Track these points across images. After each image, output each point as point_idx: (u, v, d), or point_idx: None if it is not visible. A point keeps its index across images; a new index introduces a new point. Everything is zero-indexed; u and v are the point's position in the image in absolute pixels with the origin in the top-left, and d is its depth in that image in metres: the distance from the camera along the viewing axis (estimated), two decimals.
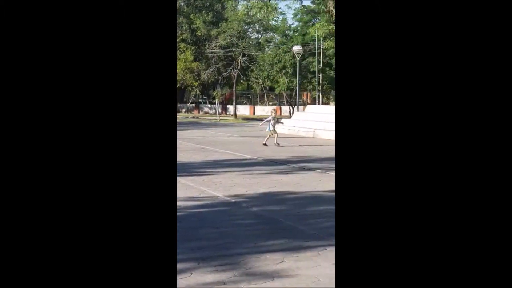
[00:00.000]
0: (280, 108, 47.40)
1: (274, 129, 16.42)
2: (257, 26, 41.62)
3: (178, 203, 6.80)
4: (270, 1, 39.40)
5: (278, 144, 15.95)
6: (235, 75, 39.20)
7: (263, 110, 48.20)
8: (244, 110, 47.60)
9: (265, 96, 52.15)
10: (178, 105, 46.93)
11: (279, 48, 42.78)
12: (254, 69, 40.57)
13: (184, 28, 42.07)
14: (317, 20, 40.37)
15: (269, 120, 16.62)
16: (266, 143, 15.82)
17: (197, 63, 39.15)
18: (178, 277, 3.84)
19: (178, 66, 36.19)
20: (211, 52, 41.26)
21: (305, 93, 49.12)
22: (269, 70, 40.69)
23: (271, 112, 17.47)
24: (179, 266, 3.88)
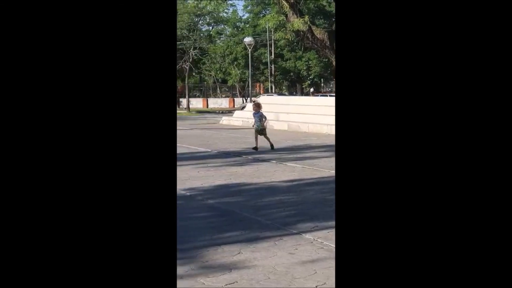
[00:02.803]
0: (233, 100, 47.36)
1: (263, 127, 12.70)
2: (207, 18, 41.41)
3: None
4: None
5: (256, 149, 12.44)
6: (187, 68, 38.88)
7: (216, 102, 48.04)
8: (197, 103, 47.34)
9: (218, 89, 51.99)
10: None
11: (230, 40, 42.70)
12: (206, 62, 40.44)
13: None
14: (267, 11, 40.44)
15: (258, 115, 12.75)
16: (257, 145, 12.52)
17: None
18: None
19: None
20: None
21: (257, 84, 49.24)
22: (221, 62, 40.60)
23: (255, 105, 13.40)
24: None
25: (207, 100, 49.25)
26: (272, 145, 12.70)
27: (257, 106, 13.12)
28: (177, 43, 39.26)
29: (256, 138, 12.64)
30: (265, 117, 12.93)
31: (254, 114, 12.92)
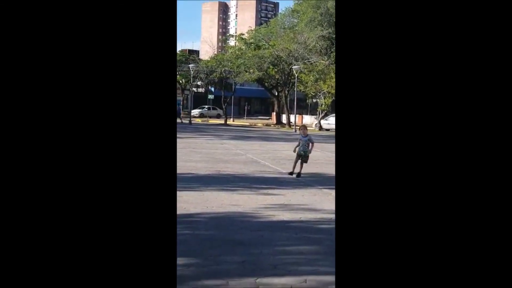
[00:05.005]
0: None
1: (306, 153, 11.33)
2: None
3: None
4: None
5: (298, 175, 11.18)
6: None
7: None
8: None
9: None
10: None
11: None
12: None
13: None
14: None
15: (306, 139, 11.46)
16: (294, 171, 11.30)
17: None
18: None
19: None
20: None
21: None
22: None
23: (303, 128, 12.16)
24: None
25: None
26: (297, 173, 11.22)
27: (305, 129, 12.00)
28: None
29: (295, 163, 11.33)
30: (313, 142, 11.54)
31: (302, 137, 11.57)
